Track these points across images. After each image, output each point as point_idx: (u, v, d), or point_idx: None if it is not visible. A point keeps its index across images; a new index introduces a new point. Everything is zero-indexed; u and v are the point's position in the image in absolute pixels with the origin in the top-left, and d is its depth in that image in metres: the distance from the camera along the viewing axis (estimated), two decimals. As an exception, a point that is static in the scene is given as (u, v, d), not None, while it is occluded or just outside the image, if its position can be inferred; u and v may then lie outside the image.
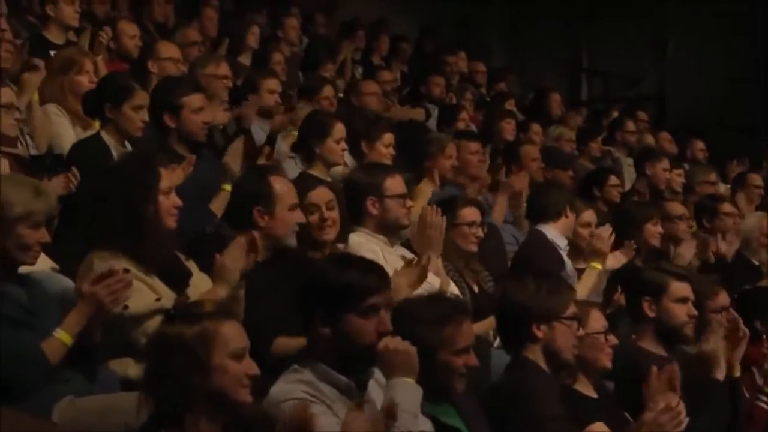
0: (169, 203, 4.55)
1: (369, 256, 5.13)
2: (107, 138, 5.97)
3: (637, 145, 10.64)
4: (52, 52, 7.14)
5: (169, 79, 6.80)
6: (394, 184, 5.72)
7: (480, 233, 6.09)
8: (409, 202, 5.80)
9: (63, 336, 4.01)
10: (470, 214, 6.08)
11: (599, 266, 6.36)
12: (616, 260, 6.50)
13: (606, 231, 6.48)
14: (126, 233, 4.43)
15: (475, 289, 6.07)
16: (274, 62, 9.06)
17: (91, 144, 5.96)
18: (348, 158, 7.16)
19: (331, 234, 5.39)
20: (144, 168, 4.57)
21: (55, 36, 7.62)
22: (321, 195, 5.44)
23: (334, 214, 5.41)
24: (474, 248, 6.09)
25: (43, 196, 4.11)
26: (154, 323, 4.27)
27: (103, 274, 4.05)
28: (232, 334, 3.49)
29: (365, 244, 5.56)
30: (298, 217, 5.09)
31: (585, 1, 15.02)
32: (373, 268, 3.96)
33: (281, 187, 5.07)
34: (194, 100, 6.09)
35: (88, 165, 5.55)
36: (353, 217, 5.67)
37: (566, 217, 6.88)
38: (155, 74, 7.28)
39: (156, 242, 4.49)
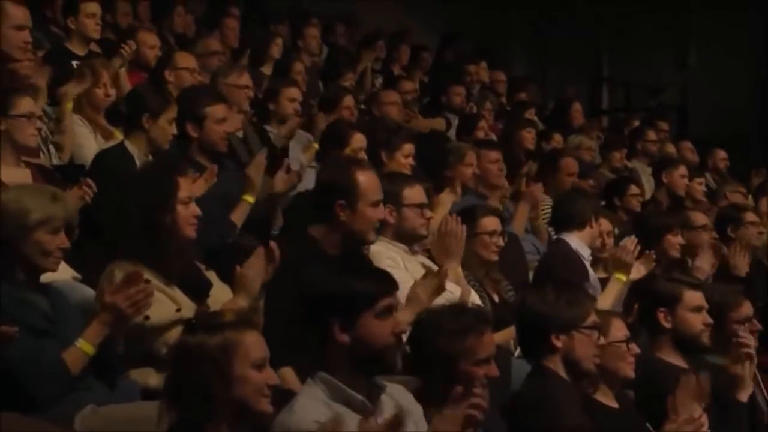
0: (187, 213, 4.55)
1: (389, 264, 5.16)
2: (131, 148, 6.00)
3: (658, 154, 10.60)
4: (74, 63, 7.19)
5: (192, 88, 6.83)
6: (413, 193, 5.71)
7: (501, 242, 6.09)
8: (428, 212, 5.79)
9: (85, 346, 4.03)
10: (491, 223, 6.08)
11: (624, 278, 6.34)
12: (636, 271, 6.48)
13: (631, 243, 6.46)
14: (145, 243, 4.45)
15: (496, 298, 6.07)
16: (294, 72, 9.08)
17: (115, 153, 6.00)
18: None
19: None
20: (162, 177, 4.58)
21: (77, 47, 7.66)
22: None
23: None
24: (495, 257, 6.08)
25: (60, 201, 4.14)
26: (175, 333, 4.27)
27: (124, 281, 4.07)
28: (254, 343, 3.50)
29: (385, 252, 5.55)
30: (381, 213, 4.99)
31: (606, 10, 15.00)
32: (380, 271, 4.01)
33: (366, 181, 4.95)
34: (217, 110, 6.12)
35: (111, 174, 5.57)
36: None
37: (591, 227, 6.86)
38: (172, 84, 7.33)
39: (175, 252, 4.50)
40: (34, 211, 4.06)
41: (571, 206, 7.01)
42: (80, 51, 7.62)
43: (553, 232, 7.43)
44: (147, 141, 6.05)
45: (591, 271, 6.76)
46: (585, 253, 6.82)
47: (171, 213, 4.49)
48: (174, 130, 6.09)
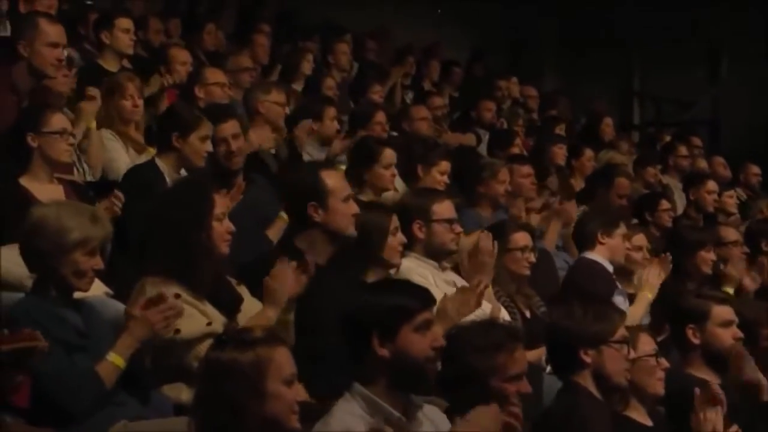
0: (222, 229, 4.58)
1: (419, 280, 5.16)
2: (162, 165, 6.01)
3: (690, 169, 10.56)
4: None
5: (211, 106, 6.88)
6: (442, 208, 5.72)
7: (532, 258, 6.08)
8: (457, 227, 5.79)
9: (116, 359, 4.05)
10: (522, 239, 6.07)
11: (650, 295, 6.33)
12: (658, 280, 6.48)
13: (658, 264, 6.48)
14: (179, 259, 4.46)
15: (527, 314, 6.05)
16: (326, 88, 9.11)
17: (145, 170, 6.00)
18: (400, 184, 7.16)
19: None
20: (198, 194, 4.60)
21: (109, 64, 7.70)
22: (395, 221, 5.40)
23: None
24: (527, 272, 6.07)
25: (100, 223, 4.16)
26: (206, 347, 4.26)
27: (153, 299, 4.09)
28: (284, 360, 3.51)
29: (415, 269, 5.56)
30: (354, 208, 5.06)
31: (637, 25, 14.97)
32: (418, 287, 4.04)
33: (333, 180, 5.05)
34: (227, 127, 6.22)
35: (141, 190, 5.59)
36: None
37: (601, 243, 6.84)
38: (202, 100, 7.35)
39: (208, 268, 4.52)
40: (74, 231, 4.09)
41: (580, 228, 7.04)
42: (113, 67, 7.65)
43: None
44: (178, 159, 6.01)
45: (619, 285, 6.74)
46: (608, 268, 6.81)
47: (207, 230, 4.53)
48: (209, 147, 6.08)
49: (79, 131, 6.19)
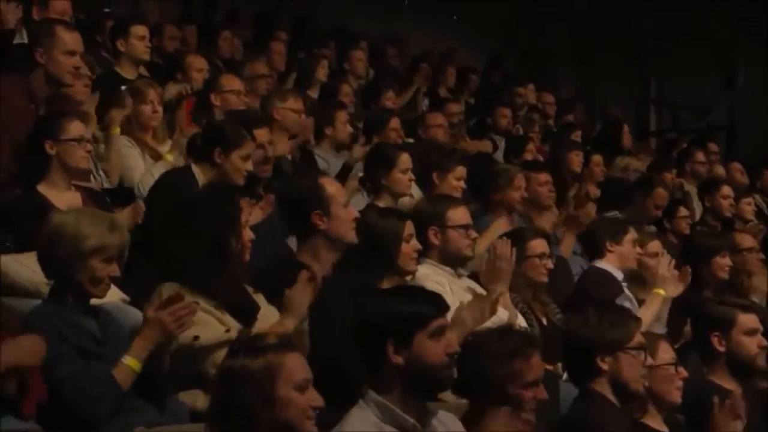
0: (246, 237, 4.62)
1: (435, 287, 5.15)
2: (198, 173, 5.95)
3: (707, 176, 10.54)
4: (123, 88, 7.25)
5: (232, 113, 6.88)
6: (457, 214, 5.71)
7: (549, 264, 6.07)
8: (473, 233, 5.78)
9: (131, 362, 4.06)
10: (539, 246, 6.06)
11: (662, 292, 6.31)
12: (674, 288, 6.46)
13: (666, 258, 6.45)
14: (207, 267, 4.48)
15: (544, 321, 6.04)
16: (342, 94, 9.11)
17: (179, 175, 5.96)
18: (416, 190, 7.16)
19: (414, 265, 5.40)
20: (229, 202, 4.63)
21: (126, 71, 7.72)
22: (409, 228, 5.40)
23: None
24: (544, 279, 6.06)
25: (118, 231, 4.17)
26: (223, 354, 4.28)
27: (169, 299, 4.10)
28: (296, 365, 3.52)
29: (431, 275, 5.56)
30: (353, 213, 5.09)
31: (653, 31, 14.95)
32: (432, 293, 4.05)
33: (332, 187, 5.08)
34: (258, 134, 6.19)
35: (173, 195, 5.56)
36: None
37: (609, 251, 6.83)
38: (218, 107, 7.34)
39: (231, 276, 4.54)
40: (91, 238, 4.10)
41: (587, 238, 7.05)
42: (130, 75, 7.68)
43: None
44: (217, 174, 5.91)
45: (627, 290, 6.72)
46: (618, 276, 6.80)
47: (238, 238, 4.56)
48: (249, 167, 6.00)
49: (110, 139, 6.21)
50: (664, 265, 6.39)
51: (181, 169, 6.10)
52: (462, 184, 7.13)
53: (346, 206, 5.07)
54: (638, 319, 4.81)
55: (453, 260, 5.69)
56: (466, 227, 5.71)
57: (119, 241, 4.17)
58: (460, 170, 7.16)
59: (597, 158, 9.64)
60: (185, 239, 4.57)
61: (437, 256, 5.66)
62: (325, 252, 4.97)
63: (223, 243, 4.53)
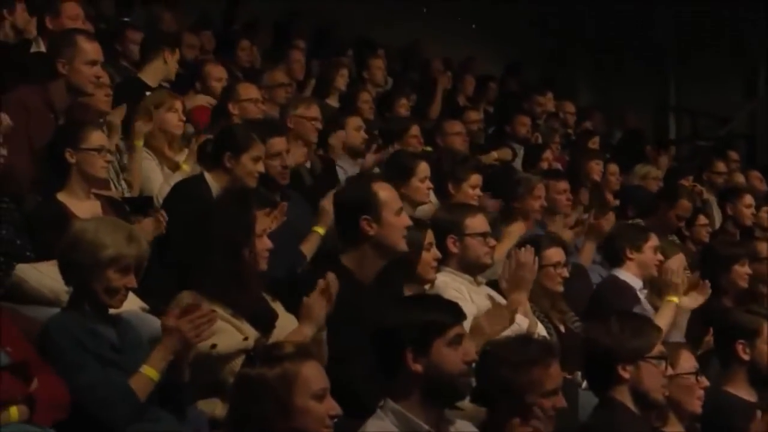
0: (261, 246, 4.61)
1: (454, 295, 5.15)
2: (211, 180, 5.98)
3: (726, 184, 10.50)
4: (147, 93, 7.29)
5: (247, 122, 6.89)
6: (476, 222, 5.70)
7: (565, 273, 6.06)
8: (492, 241, 5.78)
9: (150, 372, 4.06)
10: (555, 254, 6.04)
11: (675, 299, 6.29)
12: (693, 300, 6.43)
13: (675, 263, 6.44)
14: (222, 275, 4.49)
15: (562, 329, 6.03)
16: (361, 101, 9.12)
17: (193, 184, 5.99)
18: (432, 197, 7.16)
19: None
20: (244, 211, 4.63)
21: (150, 78, 7.76)
22: (429, 236, 5.40)
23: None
24: (560, 288, 6.05)
25: (136, 242, 4.17)
26: (241, 362, 4.30)
27: (187, 308, 4.10)
28: (313, 374, 3.52)
29: (450, 283, 5.55)
30: (406, 220, 4.97)
31: (673, 39, 14.92)
32: (449, 302, 4.06)
33: (386, 193, 4.94)
34: (273, 144, 6.19)
35: (188, 205, 5.58)
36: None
37: (629, 259, 6.81)
38: (236, 116, 7.33)
39: (248, 284, 4.54)
40: (109, 248, 4.11)
41: (608, 245, 7.03)
42: (153, 82, 7.72)
43: None
44: (229, 179, 5.94)
45: (644, 300, 6.70)
46: (636, 285, 6.78)
47: (252, 247, 4.56)
48: (260, 168, 6.02)
49: (134, 149, 6.22)
50: (675, 270, 6.37)
51: (194, 177, 6.12)
52: (478, 192, 7.12)
53: (399, 213, 4.93)
54: (659, 329, 4.79)
55: (472, 268, 5.68)
56: (484, 235, 5.71)
57: (137, 252, 4.17)
58: (475, 178, 7.15)
59: (612, 167, 9.63)
60: (202, 248, 4.57)
61: (456, 264, 5.65)
62: (372, 259, 4.88)
63: (236, 252, 4.53)
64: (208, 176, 6.01)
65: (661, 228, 7.85)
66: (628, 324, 4.61)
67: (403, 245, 4.92)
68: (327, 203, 5.97)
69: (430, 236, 5.33)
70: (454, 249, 5.64)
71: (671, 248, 7.07)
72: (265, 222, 4.76)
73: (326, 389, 3.52)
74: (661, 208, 8.48)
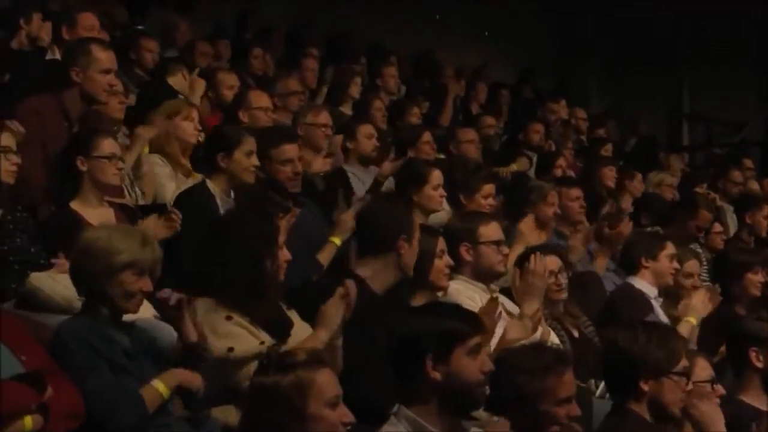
0: (282, 257, 4.63)
1: (467, 303, 5.14)
2: (212, 186, 6.00)
3: (741, 192, 10.47)
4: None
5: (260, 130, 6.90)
6: (489, 230, 5.71)
7: (561, 280, 6.01)
8: (505, 249, 5.77)
9: (161, 387, 4.09)
10: (551, 263, 5.99)
11: (694, 321, 6.29)
12: (703, 307, 6.42)
13: (706, 294, 6.42)
14: (241, 283, 4.50)
15: (575, 333, 6.01)
16: (374, 109, 9.12)
17: (196, 192, 6.00)
18: (445, 205, 7.16)
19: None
20: (268, 223, 4.66)
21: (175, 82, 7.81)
22: (441, 243, 5.44)
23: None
24: (560, 296, 6.02)
25: (150, 246, 4.20)
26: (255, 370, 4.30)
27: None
28: (327, 382, 3.53)
29: (464, 291, 5.55)
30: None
31: (686, 45, 14.89)
32: (467, 311, 4.09)
33: (416, 219, 5.14)
34: (285, 151, 6.20)
35: (194, 213, 5.59)
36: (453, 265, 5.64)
37: (645, 267, 6.79)
38: (246, 124, 7.30)
39: (267, 295, 4.56)
40: (123, 253, 4.14)
41: (624, 253, 7.03)
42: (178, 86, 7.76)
43: None
44: (228, 179, 5.99)
45: (658, 309, 6.69)
46: (651, 293, 6.76)
47: (274, 258, 4.58)
48: (255, 162, 6.04)
49: (132, 156, 6.24)
50: (699, 297, 6.36)
51: (196, 185, 6.12)
52: (491, 201, 7.11)
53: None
54: (685, 341, 4.75)
55: (485, 276, 5.68)
56: (498, 243, 5.70)
57: (151, 255, 4.20)
58: (488, 188, 7.14)
59: (638, 176, 9.61)
60: (221, 256, 4.58)
61: (470, 272, 5.65)
62: (390, 274, 4.99)
63: (258, 263, 4.55)
64: (209, 183, 6.03)
65: (680, 237, 7.82)
66: (654, 336, 4.55)
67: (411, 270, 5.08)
68: (349, 217, 5.98)
69: (442, 243, 5.34)
70: (467, 257, 5.64)
71: (686, 257, 7.06)
72: (286, 231, 4.78)
73: (339, 396, 3.53)
74: (680, 217, 8.45)
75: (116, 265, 4.11)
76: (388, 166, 7.56)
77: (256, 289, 4.53)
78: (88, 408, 3.95)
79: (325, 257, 5.93)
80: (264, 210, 4.90)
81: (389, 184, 7.34)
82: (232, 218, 4.97)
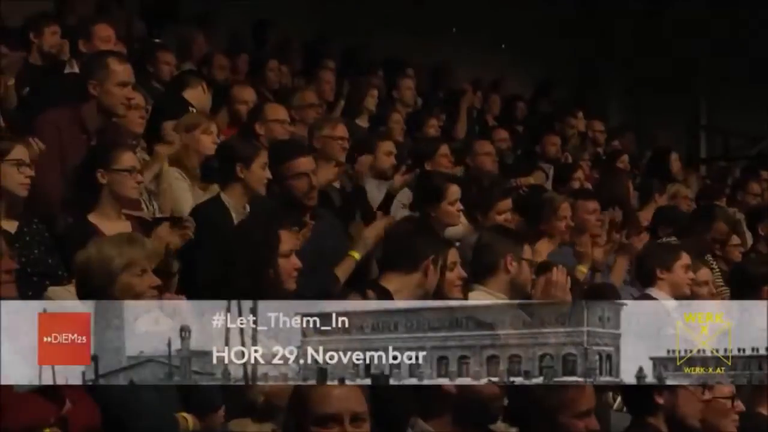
0: (289, 266, 4.64)
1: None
2: (227, 200, 6.02)
3: (759, 204, 10.43)
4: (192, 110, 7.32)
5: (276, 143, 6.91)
6: (527, 248, 5.87)
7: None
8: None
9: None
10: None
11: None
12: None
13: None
14: (243, 292, 4.49)
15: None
16: (392, 122, 9.12)
17: (210, 206, 6.01)
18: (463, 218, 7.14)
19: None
20: (265, 232, 4.66)
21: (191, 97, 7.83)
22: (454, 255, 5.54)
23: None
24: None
25: (138, 243, 4.31)
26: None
27: None
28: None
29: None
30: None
31: (704, 58, 14.87)
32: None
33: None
34: (299, 164, 6.20)
35: (209, 227, 5.60)
36: (478, 276, 5.72)
37: (660, 278, 6.78)
38: (262, 136, 7.31)
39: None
40: (116, 257, 4.25)
41: (639, 265, 7.03)
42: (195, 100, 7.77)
43: None
44: (243, 190, 6.00)
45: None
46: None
47: (274, 267, 4.56)
48: (268, 174, 6.07)
49: (150, 173, 6.27)
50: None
51: (211, 199, 6.11)
52: (508, 216, 7.10)
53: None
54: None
55: (519, 290, 5.72)
56: (532, 263, 5.87)
57: (143, 251, 4.30)
58: (504, 204, 7.13)
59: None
60: (227, 269, 4.60)
61: (504, 284, 5.71)
62: (413, 291, 5.14)
63: (258, 271, 4.57)
64: (223, 195, 6.04)
65: (696, 249, 7.79)
66: None
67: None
68: (372, 233, 6.02)
69: (453, 255, 5.37)
70: (511, 269, 5.70)
71: (697, 266, 7.03)
72: (293, 242, 4.78)
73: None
74: (696, 229, 8.42)
75: (114, 271, 4.21)
76: (399, 179, 7.56)
77: (257, 297, 4.52)
78: (108, 417, 3.99)
79: (342, 271, 5.93)
80: (267, 221, 4.91)
81: (401, 197, 7.35)
82: (235, 229, 5.03)
